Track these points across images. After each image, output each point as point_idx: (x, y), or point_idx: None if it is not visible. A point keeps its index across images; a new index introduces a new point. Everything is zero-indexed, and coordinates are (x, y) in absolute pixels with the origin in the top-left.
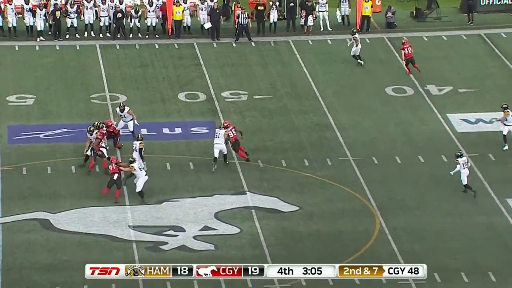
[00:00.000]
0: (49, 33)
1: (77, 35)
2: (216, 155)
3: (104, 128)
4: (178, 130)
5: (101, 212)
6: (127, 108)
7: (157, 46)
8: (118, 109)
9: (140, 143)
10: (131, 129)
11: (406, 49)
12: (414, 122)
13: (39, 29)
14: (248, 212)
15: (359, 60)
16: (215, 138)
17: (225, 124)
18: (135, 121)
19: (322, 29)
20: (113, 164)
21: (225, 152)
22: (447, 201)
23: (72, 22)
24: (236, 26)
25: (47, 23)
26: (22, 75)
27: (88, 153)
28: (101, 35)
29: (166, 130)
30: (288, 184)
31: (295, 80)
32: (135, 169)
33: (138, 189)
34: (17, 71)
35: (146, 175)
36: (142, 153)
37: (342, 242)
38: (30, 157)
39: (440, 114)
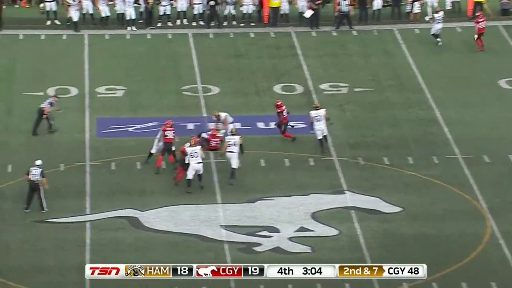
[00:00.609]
0: (140, 21)
1: (169, 23)
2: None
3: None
4: (273, 125)
5: (192, 210)
6: (223, 115)
7: (252, 35)
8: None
9: (240, 137)
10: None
11: (481, 23)
12: None
13: (130, 17)
14: (347, 213)
15: (438, 39)
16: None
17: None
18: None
19: (430, 16)
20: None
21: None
22: None
23: (164, 10)
24: (336, 13)
25: (138, 11)
26: (112, 65)
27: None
28: (193, 23)
29: (260, 124)
30: (390, 183)
31: (399, 71)
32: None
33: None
34: (106, 61)
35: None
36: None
37: (449, 246)
38: (119, 152)
39: None
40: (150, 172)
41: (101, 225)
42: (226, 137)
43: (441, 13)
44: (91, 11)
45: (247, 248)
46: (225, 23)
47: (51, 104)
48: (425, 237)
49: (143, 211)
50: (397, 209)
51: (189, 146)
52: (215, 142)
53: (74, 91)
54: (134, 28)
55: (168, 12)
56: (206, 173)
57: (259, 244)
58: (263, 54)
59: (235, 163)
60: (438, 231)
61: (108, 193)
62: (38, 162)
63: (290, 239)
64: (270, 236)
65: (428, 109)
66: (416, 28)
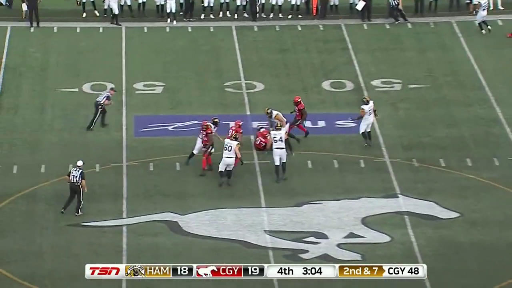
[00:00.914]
0: (181, 13)
1: (211, 16)
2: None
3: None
4: (321, 123)
5: (235, 214)
6: (275, 113)
7: (299, 28)
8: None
9: (286, 133)
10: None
11: None
12: None
13: (170, 10)
14: (400, 218)
15: (486, 27)
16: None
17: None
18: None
19: (491, 7)
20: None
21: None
22: None
23: (209, 2)
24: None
25: (179, 2)
26: (150, 60)
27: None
28: (236, 16)
29: (308, 123)
30: (447, 187)
31: (457, 66)
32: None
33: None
34: (145, 56)
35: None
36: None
37: (509, 255)
38: (157, 152)
39: None
40: (190, 173)
41: (138, 230)
42: (272, 132)
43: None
44: (129, 3)
45: (293, 255)
46: (271, 15)
47: (108, 98)
48: (484, 245)
49: (183, 215)
50: (454, 214)
51: (228, 138)
52: (260, 141)
53: (110, 87)
54: (174, 21)
55: (211, 4)
56: (250, 174)
57: (305, 251)
58: (311, 48)
59: (284, 158)
60: (498, 239)
61: (146, 196)
62: (79, 163)
63: (339, 245)
64: (318, 243)
65: (488, 107)
66: (475, 20)
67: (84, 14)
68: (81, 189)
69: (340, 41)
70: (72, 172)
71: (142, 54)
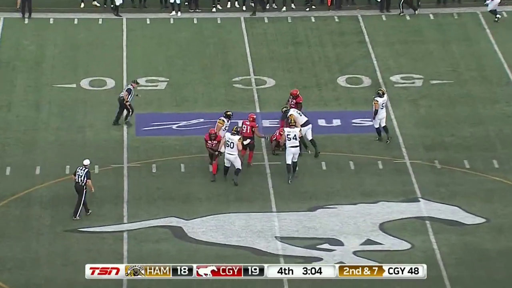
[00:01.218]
0: (186, 3)
1: (218, 6)
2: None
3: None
4: (336, 122)
5: (243, 219)
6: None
7: (313, 20)
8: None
9: (300, 130)
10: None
11: None
12: None
13: (174, 0)
14: (421, 224)
15: (497, 16)
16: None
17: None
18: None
19: None
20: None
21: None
22: None
23: None
24: None
25: None
26: (153, 53)
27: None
28: (244, 8)
29: (321, 122)
30: (472, 190)
31: (483, 61)
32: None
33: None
34: (147, 49)
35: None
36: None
37: None
38: (161, 152)
39: None
40: (195, 175)
41: (140, 236)
42: (285, 129)
43: None
44: None
45: (306, 263)
46: (283, 9)
47: (129, 91)
48: None
49: (187, 219)
50: (479, 220)
51: (230, 133)
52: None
53: (110, 83)
54: (179, 13)
55: None
56: (260, 176)
57: (319, 259)
58: (325, 41)
59: (296, 157)
60: None
61: (148, 199)
62: (86, 161)
63: (355, 253)
64: (332, 250)
65: None
66: (503, 11)
67: (82, 5)
68: (84, 190)
69: (356, 33)
70: (78, 172)
71: (144, 48)
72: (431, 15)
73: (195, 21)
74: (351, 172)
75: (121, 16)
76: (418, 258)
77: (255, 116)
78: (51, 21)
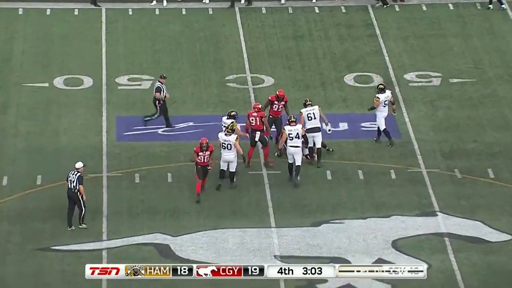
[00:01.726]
0: None
1: None
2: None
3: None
4: (343, 126)
5: (238, 236)
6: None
7: (317, 10)
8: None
9: (303, 128)
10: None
11: None
12: None
13: None
14: (439, 241)
15: (502, 6)
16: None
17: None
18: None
19: None
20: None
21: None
22: None
23: None
24: None
25: None
26: (136, 48)
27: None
28: None
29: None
30: (496, 203)
31: (509, 57)
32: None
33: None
34: (130, 44)
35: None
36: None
37: None
38: (145, 160)
39: None
40: (184, 186)
41: (121, 254)
42: (286, 127)
43: None
44: None
45: (309, 286)
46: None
47: (159, 89)
48: None
49: (175, 236)
50: (505, 236)
51: (224, 133)
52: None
53: (88, 81)
54: (165, 2)
55: None
56: (257, 187)
57: (324, 281)
58: (331, 34)
59: (299, 159)
60: None
61: (131, 213)
62: (78, 164)
63: None
64: None
65: None
66: None
67: None
68: (80, 196)
69: (366, 26)
70: (70, 176)
71: (126, 42)
72: (450, 5)
73: (184, 12)
74: (360, 182)
75: (99, 6)
76: (436, 280)
77: (260, 106)
78: (20, 12)
